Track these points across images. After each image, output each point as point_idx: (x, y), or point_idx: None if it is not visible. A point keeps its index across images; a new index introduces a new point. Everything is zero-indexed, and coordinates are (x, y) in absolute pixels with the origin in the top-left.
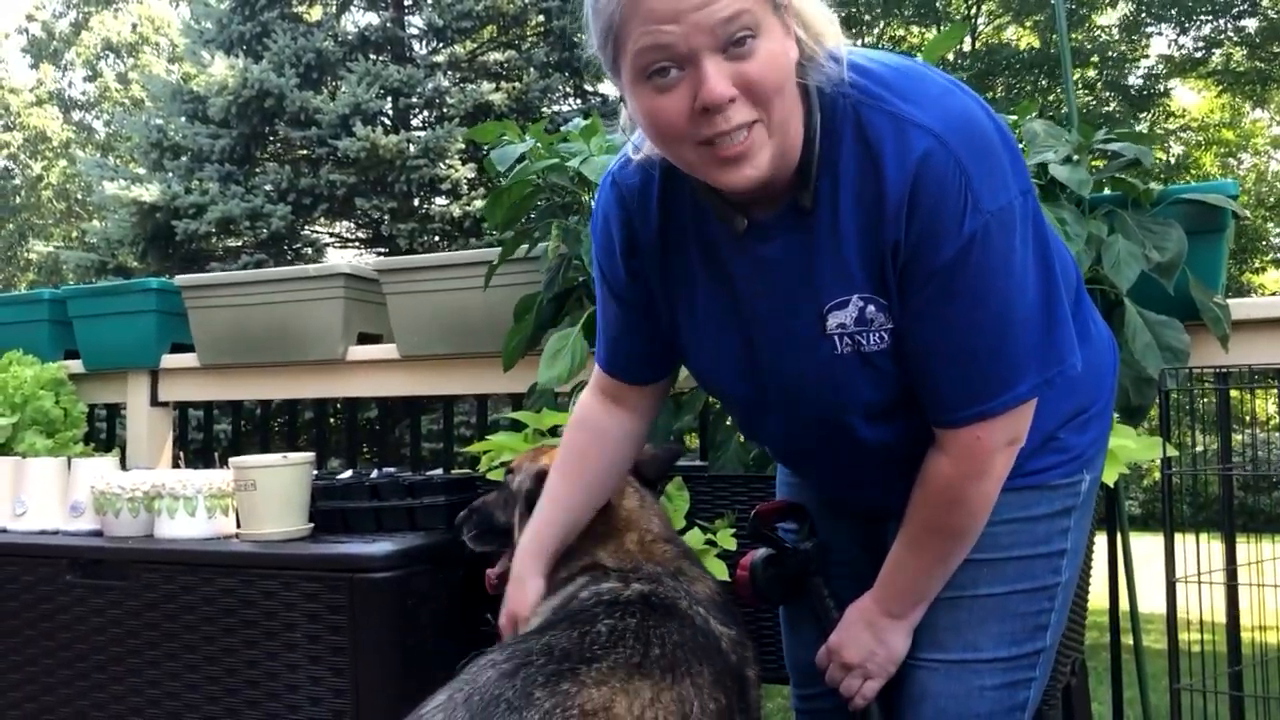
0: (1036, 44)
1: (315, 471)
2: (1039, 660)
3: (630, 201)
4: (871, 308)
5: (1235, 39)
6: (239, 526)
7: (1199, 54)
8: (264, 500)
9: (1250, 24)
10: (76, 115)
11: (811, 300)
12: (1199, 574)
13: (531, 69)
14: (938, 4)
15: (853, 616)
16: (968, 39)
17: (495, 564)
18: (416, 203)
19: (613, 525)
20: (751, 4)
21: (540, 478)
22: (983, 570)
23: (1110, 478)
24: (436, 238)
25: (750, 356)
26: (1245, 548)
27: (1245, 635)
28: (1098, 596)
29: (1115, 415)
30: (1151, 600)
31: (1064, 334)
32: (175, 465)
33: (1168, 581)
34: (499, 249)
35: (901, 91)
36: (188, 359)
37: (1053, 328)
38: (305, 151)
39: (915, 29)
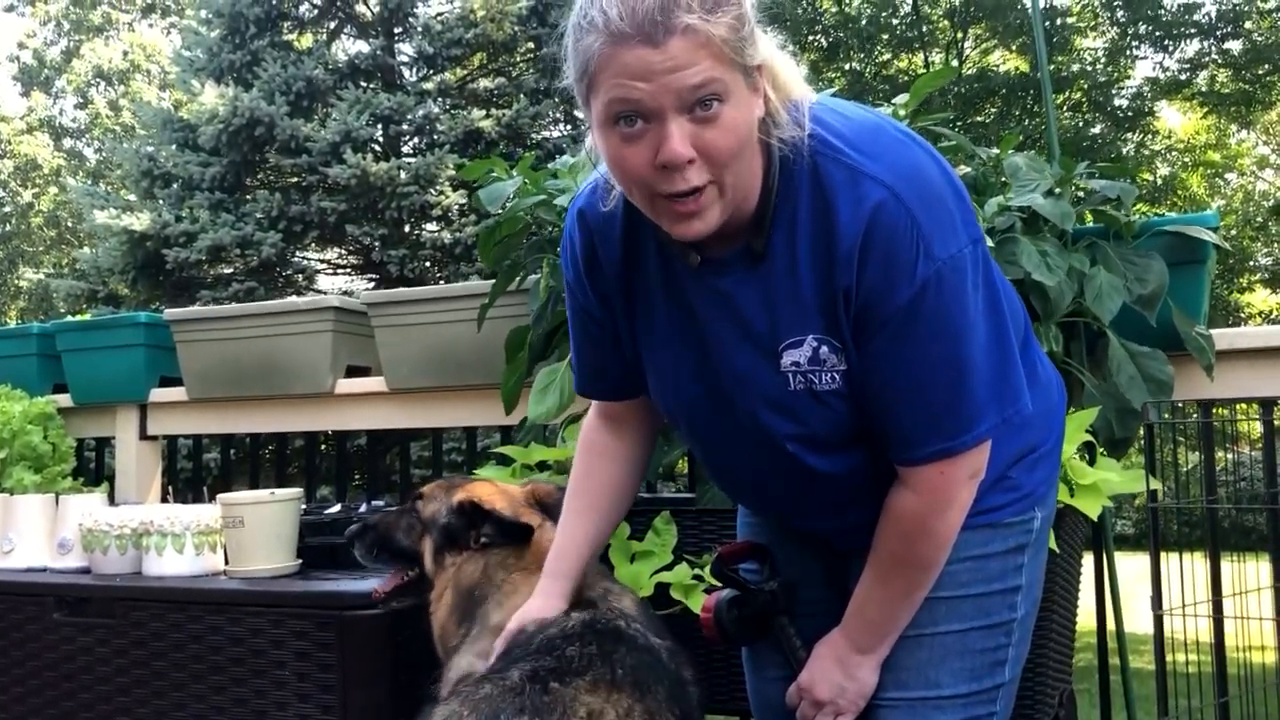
0: (1024, 68)
1: (304, 506)
2: (999, 695)
3: (595, 226)
4: (825, 348)
5: (1219, 61)
6: (227, 563)
7: (1184, 76)
8: (252, 537)
9: (1234, 45)
10: (67, 143)
11: (768, 337)
12: (1184, 606)
13: (521, 95)
14: (924, 29)
15: (822, 653)
16: (953, 64)
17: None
18: (407, 229)
19: (542, 558)
20: (721, 72)
21: (460, 511)
22: (941, 608)
23: (1094, 511)
24: (427, 264)
25: (709, 382)
26: (1232, 566)
27: (1232, 655)
28: (1087, 617)
29: (1100, 447)
30: (1143, 620)
31: (1017, 375)
32: (164, 499)
33: (1155, 615)
34: (487, 282)
35: (856, 144)
36: (176, 393)
37: (1006, 369)
38: (296, 179)
39: (903, 54)
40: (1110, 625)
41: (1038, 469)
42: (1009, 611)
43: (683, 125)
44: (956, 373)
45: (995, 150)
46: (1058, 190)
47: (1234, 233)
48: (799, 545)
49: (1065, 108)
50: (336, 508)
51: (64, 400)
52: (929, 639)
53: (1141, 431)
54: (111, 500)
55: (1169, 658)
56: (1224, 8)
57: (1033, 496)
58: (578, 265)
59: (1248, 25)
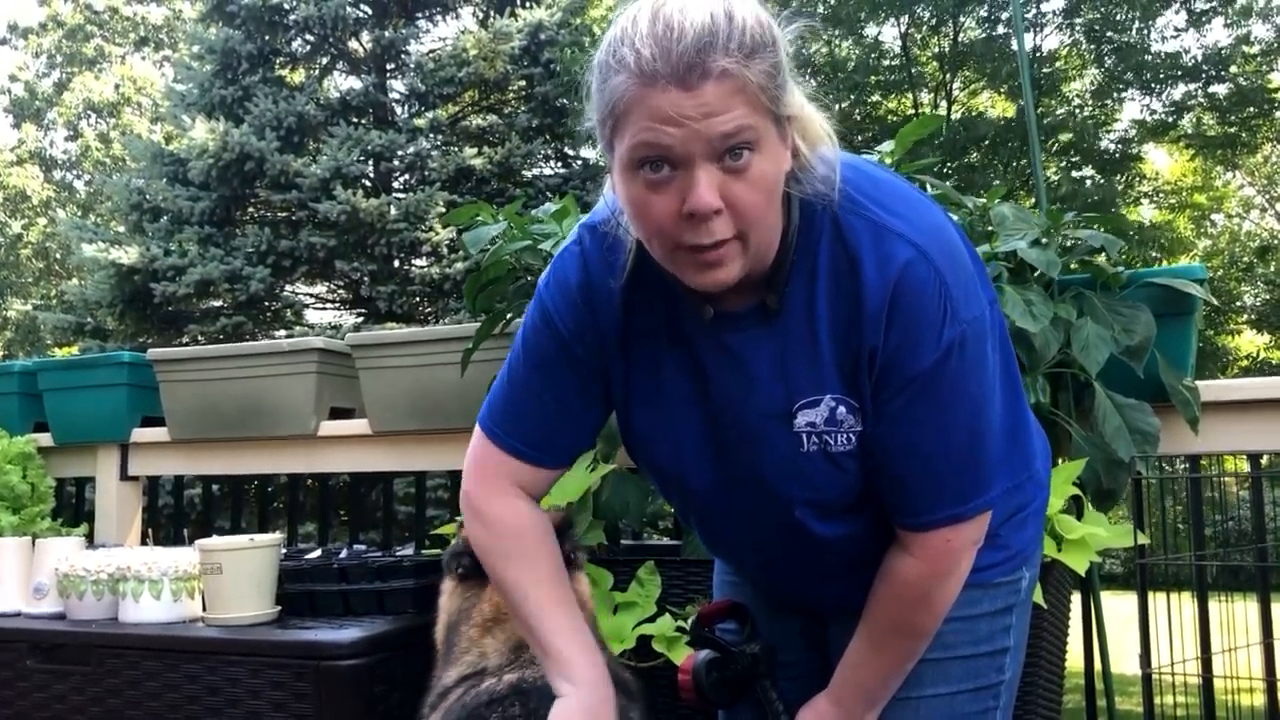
0: (1009, 113)
1: (284, 550)
2: None
3: (596, 271)
4: (842, 409)
5: (1205, 104)
6: (205, 610)
7: (1170, 118)
8: (230, 583)
9: (1220, 89)
10: (57, 174)
11: (782, 396)
12: (1172, 664)
13: (513, 134)
14: (912, 71)
15: (808, 718)
16: (941, 106)
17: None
18: (397, 264)
19: (497, 616)
20: (754, 119)
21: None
22: (928, 671)
23: (1081, 566)
24: (416, 299)
25: (712, 441)
26: (1220, 607)
27: (1221, 698)
28: (1075, 658)
29: (1087, 500)
30: (1130, 662)
31: (1029, 439)
32: (144, 542)
33: (1143, 673)
34: (471, 325)
35: (878, 199)
36: (159, 433)
37: (1019, 433)
38: (285, 214)
39: (892, 95)
40: (1097, 666)
41: (1026, 527)
42: (996, 674)
43: (711, 173)
44: (973, 437)
45: (982, 199)
46: (1044, 240)
47: (1220, 274)
48: (776, 606)
49: (1053, 150)
50: (317, 553)
51: (45, 439)
52: (915, 702)
53: (1129, 485)
54: (91, 541)
55: (1157, 699)
56: (1209, 52)
57: (1021, 555)
58: (571, 297)
59: (1233, 69)
